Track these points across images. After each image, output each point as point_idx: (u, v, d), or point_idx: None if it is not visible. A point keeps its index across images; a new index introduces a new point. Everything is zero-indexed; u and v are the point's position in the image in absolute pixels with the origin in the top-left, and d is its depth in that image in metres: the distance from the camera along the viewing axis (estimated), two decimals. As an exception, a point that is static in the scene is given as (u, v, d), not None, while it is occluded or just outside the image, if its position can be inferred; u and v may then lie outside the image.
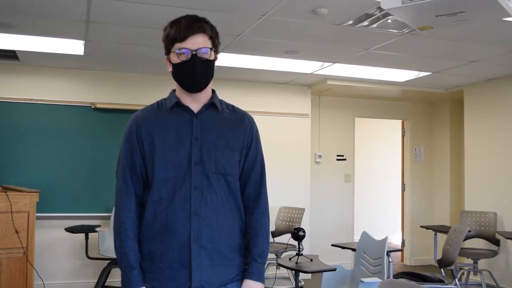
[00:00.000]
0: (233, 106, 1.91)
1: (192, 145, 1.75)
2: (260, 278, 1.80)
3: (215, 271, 1.74)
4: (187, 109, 1.80)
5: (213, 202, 1.74)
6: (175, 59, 1.74)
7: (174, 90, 1.87)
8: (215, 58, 1.81)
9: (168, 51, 1.77)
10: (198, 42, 1.72)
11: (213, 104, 1.82)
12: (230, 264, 1.78)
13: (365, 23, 3.81)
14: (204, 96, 1.82)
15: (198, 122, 1.78)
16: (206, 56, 1.74)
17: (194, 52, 1.71)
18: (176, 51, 1.72)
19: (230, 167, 1.79)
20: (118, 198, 1.79)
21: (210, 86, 1.84)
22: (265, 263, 1.84)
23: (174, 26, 1.74)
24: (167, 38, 1.75)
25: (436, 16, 1.92)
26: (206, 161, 1.75)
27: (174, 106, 1.80)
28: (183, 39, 1.71)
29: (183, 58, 1.72)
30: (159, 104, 1.86)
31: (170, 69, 1.79)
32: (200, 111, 1.80)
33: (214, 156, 1.76)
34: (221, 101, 1.87)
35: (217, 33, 1.80)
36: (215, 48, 1.79)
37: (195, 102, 1.81)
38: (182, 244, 1.70)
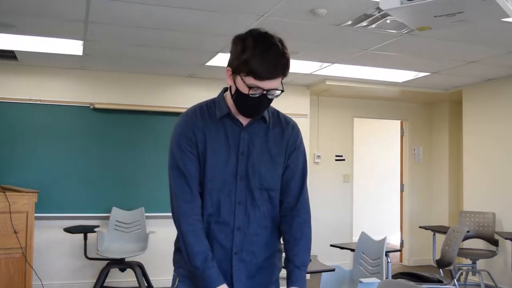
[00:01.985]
0: (280, 115, 1.87)
1: (238, 160, 1.74)
2: (304, 285, 1.79)
3: (252, 281, 1.78)
4: (236, 121, 1.77)
5: (256, 217, 1.76)
6: (242, 87, 1.66)
7: (223, 93, 1.81)
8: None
9: (236, 71, 1.65)
10: (274, 85, 1.66)
11: (262, 116, 1.80)
12: (266, 272, 1.82)
13: (364, 23, 3.81)
14: None
15: (245, 136, 1.77)
16: (273, 97, 1.70)
17: (265, 92, 1.66)
18: (249, 86, 1.63)
19: (273, 182, 1.79)
20: (181, 207, 1.72)
21: None
22: (306, 271, 1.82)
23: (257, 54, 1.60)
24: (241, 63, 1.62)
25: (434, 16, 1.93)
26: (250, 176, 1.75)
27: (224, 116, 1.76)
28: (262, 79, 1.62)
29: (252, 94, 1.65)
30: (209, 108, 1.79)
31: (230, 83, 1.72)
32: (248, 124, 1.78)
33: (258, 171, 1.75)
34: (268, 110, 1.82)
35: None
36: (282, 87, 1.71)
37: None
38: (224, 256, 1.73)
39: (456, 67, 5.26)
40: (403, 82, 6.10)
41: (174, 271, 1.84)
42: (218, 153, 1.73)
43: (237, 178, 1.73)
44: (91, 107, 5.60)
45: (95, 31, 4.15)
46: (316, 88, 6.45)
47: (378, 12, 3.53)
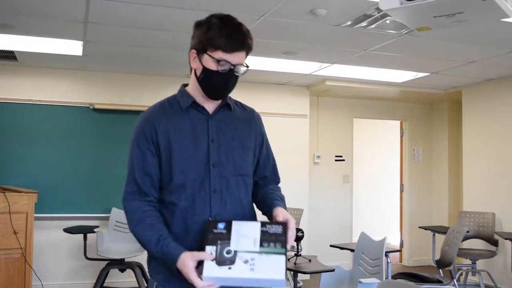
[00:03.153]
0: (241, 103, 1.90)
1: (209, 147, 1.73)
2: (286, 208, 1.80)
3: None
4: (202, 109, 1.77)
5: (233, 204, 1.74)
6: (211, 65, 1.67)
7: (184, 86, 1.82)
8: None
9: (203, 50, 1.68)
10: (240, 58, 1.69)
11: (226, 104, 1.81)
12: None
13: (364, 23, 3.81)
14: None
15: (213, 124, 1.76)
16: (240, 73, 1.72)
17: (232, 67, 1.68)
18: (217, 59, 1.66)
19: (247, 168, 1.80)
20: (128, 204, 1.73)
21: None
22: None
23: (223, 32, 1.65)
24: (209, 39, 1.66)
25: (434, 17, 1.93)
26: (224, 163, 1.73)
27: (190, 106, 1.76)
28: (230, 52, 1.65)
29: (221, 69, 1.67)
30: (170, 102, 1.80)
31: (195, 66, 1.73)
32: (214, 112, 1.78)
33: (232, 157, 1.74)
34: (230, 98, 1.85)
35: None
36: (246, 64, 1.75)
37: (210, 103, 1.78)
38: (203, 248, 1.66)
39: (456, 67, 5.27)
40: (403, 82, 6.11)
41: (151, 277, 1.78)
42: (185, 144, 1.71)
43: (210, 165, 1.71)
44: (91, 107, 5.60)
45: (94, 31, 4.15)
46: (315, 89, 6.45)
47: (378, 13, 3.53)
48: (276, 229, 1.63)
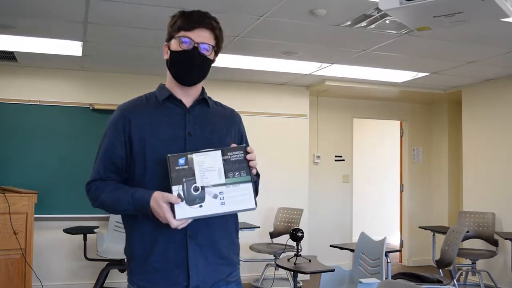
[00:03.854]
0: (221, 104, 1.91)
1: (186, 141, 1.71)
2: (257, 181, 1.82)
3: (209, 270, 1.69)
4: (179, 102, 1.76)
5: None
6: (175, 46, 1.72)
7: (163, 84, 1.83)
8: (213, 60, 1.79)
9: (170, 38, 1.76)
10: (203, 37, 1.71)
11: (204, 99, 1.81)
12: (224, 263, 1.75)
13: (363, 24, 3.81)
14: (195, 91, 1.80)
15: (191, 118, 1.75)
16: (206, 53, 1.73)
17: (196, 45, 1.70)
18: (179, 38, 1.70)
19: None
20: (88, 186, 1.80)
21: (201, 83, 1.83)
22: (257, 183, 1.82)
23: (184, 15, 1.73)
24: (173, 25, 1.74)
25: (434, 16, 1.93)
26: None
27: (166, 99, 1.76)
28: (190, 29, 1.70)
29: (184, 47, 1.70)
30: (148, 97, 1.81)
31: (166, 56, 1.77)
32: (192, 106, 1.78)
33: None
34: (209, 97, 1.85)
35: (222, 37, 1.79)
36: (217, 49, 1.77)
37: (187, 97, 1.78)
38: (178, 242, 1.65)
39: (456, 67, 5.27)
40: (403, 82, 6.11)
41: (130, 283, 1.73)
42: (161, 137, 1.70)
43: None
44: (91, 107, 5.60)
45: (94, 32, 4.15)
46: (315, 89, 6.45)
47: (377, 13, 3.53)
48: (238, 155, 1.64)
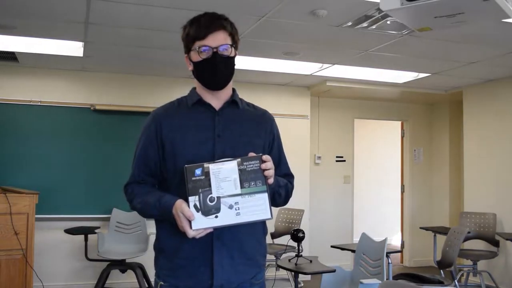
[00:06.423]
0: (253, 105, 1.93)
1: (215, 143, 1.74)
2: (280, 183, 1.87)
3: (235, 270, 1.72)
4: (208, 106, 1.79)
5: None
6: (195, 57, 1.74)
7: (194, 88, 1.86)
8: (235, 55, 1.80)
9: (188, 50, 1.77)
10: (219, 39, 1.72)
11: (234, 101, 1.83)
12: (250, 264, 1.77)
13: (364, 24, 3.81)
14: (225, 94, 1.82)
15: (220, 119, 1.78)
16: (226, 53, 1.74)
17: (215, 50, 1.71)
18: (197, 49, 1.72)
19: None
20: (126, 189, 1.81)
21: (231, 84, 1.84)
22: (287, 187, 1.92)
23: (194, 24, 1.74)
24: (187, 37, 1.75)
25: (435, 17, 1.92)
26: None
27: (196, 103, 1.80)
28: (203, 37, 1.71)
29: (204, 56, 1.72)
30: (180, 102, 1.85)
31: (190, 67, 1.80)
32: (221, 108, 1.80)
33: (238, 153, 1.72)
34: (241, 99, 1.88)
35: (236, 30, 1.80)
36: (235, 44, 1.78)
37: (216, 100, 1.80)
38: (205, 241, 1.66)
39: (457, 68, 5.27)
40: (404, 83, 6.10)
41: (157, 277, 1.79)
42: (190, 140, 1.73)
43: (215, 159, 1.70)
44: (92, 108, 5.60)
45: (95, 32, 4.15)
46: (316, 89, 6.45)
47: (378, 13, 3.53)
48: (254, 165, 1.63)
